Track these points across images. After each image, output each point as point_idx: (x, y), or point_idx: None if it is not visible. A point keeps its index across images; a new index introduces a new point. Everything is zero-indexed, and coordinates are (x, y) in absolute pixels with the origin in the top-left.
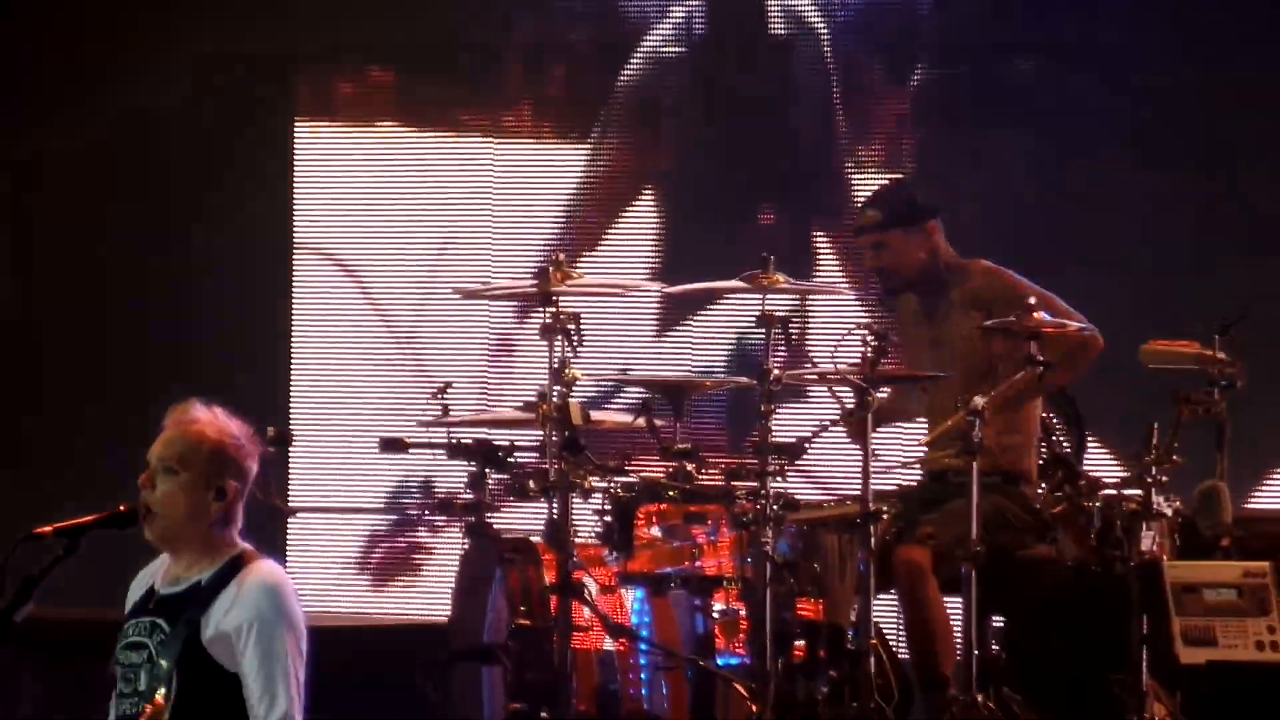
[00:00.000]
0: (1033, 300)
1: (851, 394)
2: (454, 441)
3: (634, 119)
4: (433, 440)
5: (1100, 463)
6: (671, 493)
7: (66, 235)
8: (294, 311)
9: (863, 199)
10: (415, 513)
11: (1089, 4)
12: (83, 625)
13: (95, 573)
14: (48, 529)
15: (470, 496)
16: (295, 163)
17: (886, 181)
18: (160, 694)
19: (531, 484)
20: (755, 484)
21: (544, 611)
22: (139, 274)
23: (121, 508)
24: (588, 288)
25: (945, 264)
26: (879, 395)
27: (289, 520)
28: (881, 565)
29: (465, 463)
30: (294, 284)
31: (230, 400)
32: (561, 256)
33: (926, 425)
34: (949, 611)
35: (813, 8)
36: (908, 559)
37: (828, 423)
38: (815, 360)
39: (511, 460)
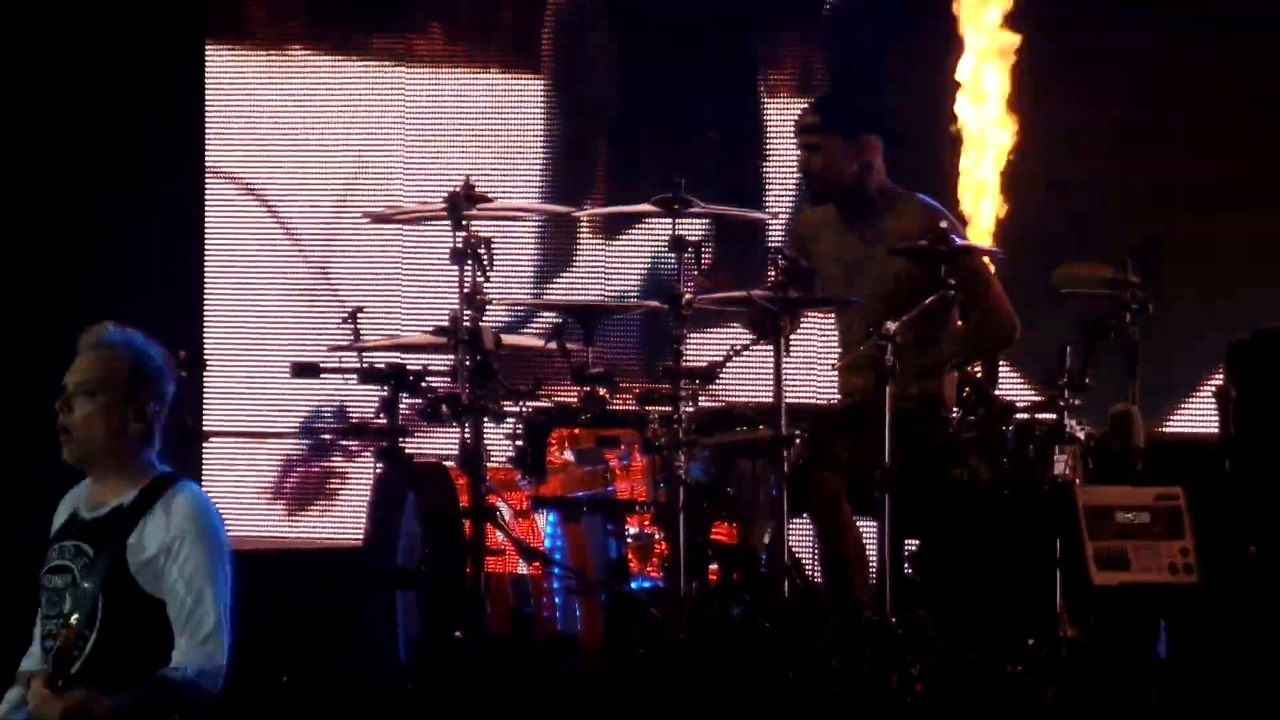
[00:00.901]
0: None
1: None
2: (366, 366)
3: (549, 43)
4: (345, 365)
5: (1013, 387)
6: (584, 417)
7: None
8: (207, 237)
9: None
10: (328, 437)
11: None
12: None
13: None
14: None
15: (383, 421)
16: (206, 87)
17: (838, 87)
18: (74, 619)
19: (444, 408)
20: (668, 408)
21: (458, 535)
22: (46, 200)
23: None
24: (498, 211)
25: (879, 187)
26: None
27: (204, 445)
28: (796, 489)
29: (377, 387)
30: (206, 209)
31: (142, 326)
32: (472, 181)
33: (839, 349)
34: (863, 535)
35: None
36: (822, 483)
37: (740, 347)
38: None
39: (424, 384)
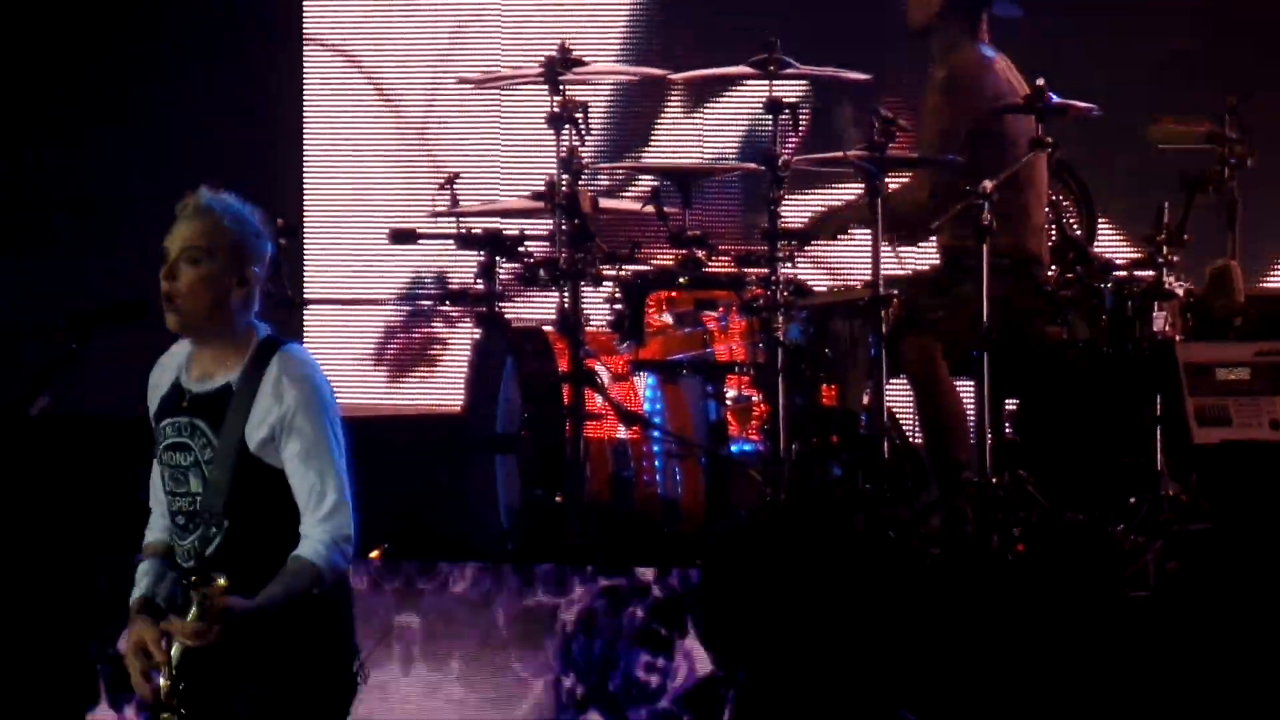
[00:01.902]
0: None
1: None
2: (464, 231)
3: None
4: (443, 230)
5: (1111, 243)
6: (682, 280)
7: (70, 30)
8: (305, 104)
9: None
10: (428, 303)
11: None
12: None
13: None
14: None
15: (481, 286)
16: None
17: None
18: (222, 580)
19: (542, 272)
20: (765, 270)
21: (557, 400)
22: (147, 68)
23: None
24: (594, 75)
25: (951, 31)
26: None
27: (304, 312)
28: (891, 351)
29: (476, 252)
30: (305, 76)
31: (242, 193)
32: (569, 44)
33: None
34: (962, 395)
35: None
36: (918, 344)
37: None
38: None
39: (521, 249)
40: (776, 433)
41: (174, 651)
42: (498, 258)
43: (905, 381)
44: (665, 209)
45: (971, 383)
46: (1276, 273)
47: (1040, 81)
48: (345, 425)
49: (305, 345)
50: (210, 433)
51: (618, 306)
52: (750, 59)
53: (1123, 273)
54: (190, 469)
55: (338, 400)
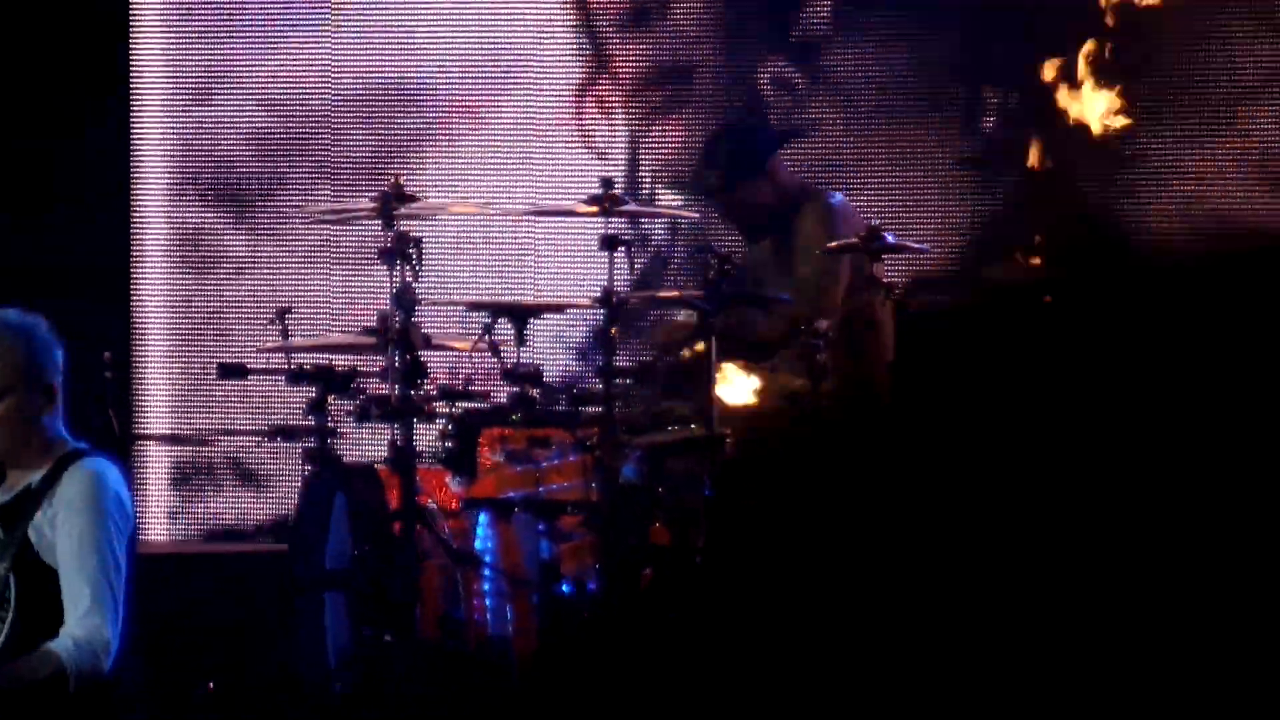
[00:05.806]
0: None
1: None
2: (294, 367)
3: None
4: (273, 366)
5: None
6: (514, 416)
7: None
8: (132, 234)
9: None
10: (257, 439)
11: None
12: None
13: None
14: None
15: (311, 422)
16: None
17: (716, 130)
18: None
19: (374, 408)
20: (600, 408)
21: (387, 537)
22: None
23: None
24: (429, 210)
25: (791, 193)
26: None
27: (131, 447)
28: None
29: (306, 388)
30: (132, 208)
31: (72, 328)
32: (402, 179)
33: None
34: None
35: None
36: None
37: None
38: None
39: (353, 385)
40: (611, 572)
41: None
42: (329, 393)
43: None
44: (498, 344)
45: None
46: None
47: (875, 222)
48: (173, 561)
49: (133, 479)
50: (2, 535)
51: (450, 443)
52: (586, 195)
53: None
54: None
55: (165, 536)
